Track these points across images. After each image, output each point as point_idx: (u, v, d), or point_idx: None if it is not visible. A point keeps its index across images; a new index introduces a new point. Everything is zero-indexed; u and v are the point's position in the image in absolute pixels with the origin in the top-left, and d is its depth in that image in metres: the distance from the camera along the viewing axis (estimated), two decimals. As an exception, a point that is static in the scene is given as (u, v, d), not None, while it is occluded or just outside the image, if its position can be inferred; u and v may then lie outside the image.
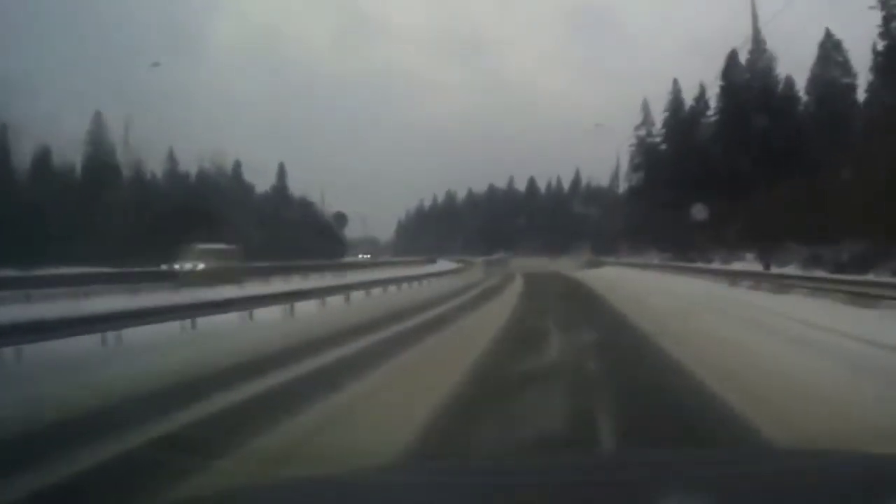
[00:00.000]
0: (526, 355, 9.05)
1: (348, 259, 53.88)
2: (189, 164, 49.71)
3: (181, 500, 3.39)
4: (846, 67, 34.66)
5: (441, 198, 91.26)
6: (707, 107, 40.67)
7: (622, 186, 49.91)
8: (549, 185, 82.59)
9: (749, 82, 35.28)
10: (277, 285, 21.47)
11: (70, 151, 41.27)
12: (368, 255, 62.89)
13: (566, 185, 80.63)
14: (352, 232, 68.74)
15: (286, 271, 30.93)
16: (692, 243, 32.18)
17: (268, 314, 12.84)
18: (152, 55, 76.97)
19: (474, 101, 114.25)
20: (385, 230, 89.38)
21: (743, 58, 37.42)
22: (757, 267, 22.06)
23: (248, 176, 55.36)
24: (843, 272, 15.96)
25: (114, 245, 31.18)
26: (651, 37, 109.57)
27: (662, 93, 46.27)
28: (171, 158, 49.84)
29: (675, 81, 44.53)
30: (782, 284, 16.89)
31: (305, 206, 56.97)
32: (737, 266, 24.26)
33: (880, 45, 31.86)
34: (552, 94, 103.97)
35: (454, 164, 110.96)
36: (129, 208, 37.99)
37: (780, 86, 36.05)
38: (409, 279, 25.58)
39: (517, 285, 27.68)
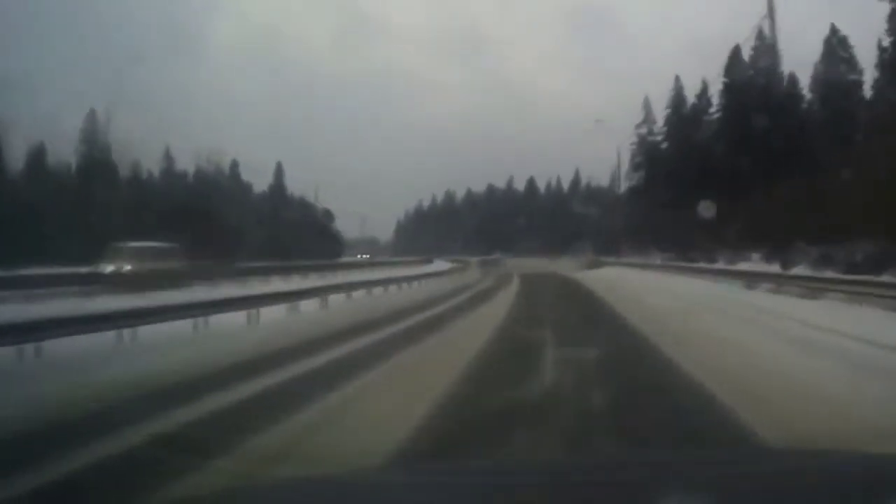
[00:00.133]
0: (509, 384, 7.08)
1: (346, 259, 53.51)
2: (187, 164, 49.44)
3: (180, 500, 3.36)
4: (852, 64, 34.17)
5: (440, 198, 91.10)
6: (709, 104, 40.20)
7: (623, 186, 49.44)
8: (548, 185, 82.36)
9: (752, 79, 34.81)
10: (230, 290, 18.06)
11: (66, 150, 41.02)
12: (367, 256, 62.62)
13: (566, 184, 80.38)
14: (351, 232, 68.69)
15: (268, 273, 29.32)
16: (695, 243, 31.67)
17: (205, 325, 11.15)
18: (152, 55, 76.78)
19: (474, 101, 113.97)
20: (385, 230, 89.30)
21: (746, 56, 37.03)
22: (764, 267, 21.56)
23: (247, 175, 55.29)
24: (857, 273, 15.43)
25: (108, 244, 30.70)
26: (651, 37, 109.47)
27: (663, 93, 45.91)
28: (168, 157, 49.55)
29: (678, 78, 44.13)
30: (809, 288, 14.94)
31: (303, 206, 56.60)
32: (743, 266, 23.63)
33: (886, 41, 31.48)
34: (552, 94, 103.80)
35: (453, 164, 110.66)
36: (125, 207, 37.49)
37: (784, 83, 35.49)
38: (401, 280, 24.75)
39: (512, 288, 26.10)
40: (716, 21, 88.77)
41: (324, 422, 5.57)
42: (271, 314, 13.03)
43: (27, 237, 27.82)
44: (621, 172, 49.08)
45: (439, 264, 45.13)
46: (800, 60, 36.33)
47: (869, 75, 33.67)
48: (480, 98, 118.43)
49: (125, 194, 41.20)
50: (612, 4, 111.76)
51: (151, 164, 48.28)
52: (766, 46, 35.92)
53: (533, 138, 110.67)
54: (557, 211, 71.63)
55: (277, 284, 22.69)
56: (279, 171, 58.61)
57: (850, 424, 5.03)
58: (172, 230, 32.30)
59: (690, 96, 42.96)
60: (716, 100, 39.82)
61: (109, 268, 22.46)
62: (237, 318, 12.01)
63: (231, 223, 41.15)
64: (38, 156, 40.59)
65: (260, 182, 58.29)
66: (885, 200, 17.95)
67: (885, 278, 13.98)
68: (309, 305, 15.09)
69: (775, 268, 20.35)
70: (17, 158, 38.42)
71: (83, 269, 22.60)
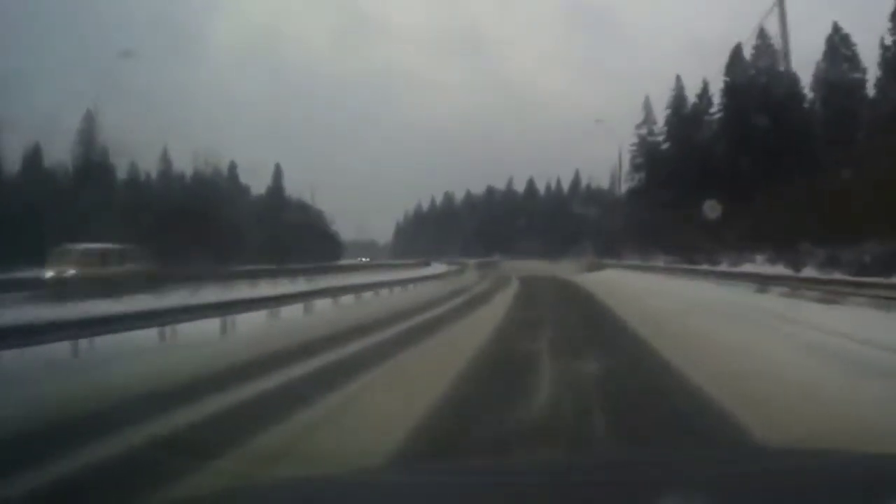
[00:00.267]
0: (500, 406, 6.25)
1: (344, 262, 53.22)
2: (185, 165, 49.11)
3: (180, 500, 3.39)
4: (855, 62, 33.84)
5: (439, 199, 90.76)
6: (710, 104, 39.84)
7: (623, 187, 49.12)
8: (548, 187, 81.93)
9: (754, 79, 34.48)
10: (200, 295, 16.64)
11: (63, 151, 40.77)
12: (367, 259, 62.45)
13: (566, 186, 79.99)
14: (350, 234, 68.35)
15: (257, 276, 28.08)
16: (697, 245, 31.27)
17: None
18: (150, 55, 76.44)
19: (473, 102, 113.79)
20: (384, 233, 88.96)
21: (747, 55, 36.70)
22: (769, 269, 21.18)
23: (245, 177, 55.08)
24: (867, 274, 15.05)
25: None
26: (651, 37, 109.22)
27: (663, 93, 45.62)
28: (166, 159, 49.24)
29: (679, 78, 43.80)
30: (829, 291, 13.81)
31: (302, 208, 56.26)
32: (748, 268, 23.19)
33: (889, 40, 31.20)
34: (551, 95, 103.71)
35: (452, 165, 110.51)
36: (123, 209, 37.15)
37: (785, 81, 35.14)
38: (395, 284, 24.16)
39: (508, 293, 25.12)
40: (716, 21, 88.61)
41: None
42: (247, 322, 12.10)
43: (24, 239, 27.45)
44: (621, 173, 48.83)
45: (437, 267, 44.81)
46: (800, 60, 36.02)
47: (871, 74, 33.44)
48: (480, 99, 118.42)
49: (122, 196, 40.95)
50: (612, 4, 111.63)
51: (149, 166, 48.15)
52: (768, 48, 35.74)
53: (532, 139, 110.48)
54: (557, 212, 71.24)
55: (261, 289, 21.01)
56: (278, 173, 58.33)
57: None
58: (169, 233, 32.09)
59: (691, 96, 42.75)
60: (717, 100, 39.55)
61: (49, 273, 20.56)
62: (191, 328, 10.69)
63: (228, 226, 40.82)
64: (34, 157, 40.36)
65: (258, 184, 58.13)
66: (890, 200, 17.64)
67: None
68: (292, 311, 14.33)
69: (780, 269, 19.96)
70: (14, 161, 38.21)
71: (26, 274, 21.08)
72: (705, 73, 42.00)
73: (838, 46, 34.08)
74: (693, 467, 2.09)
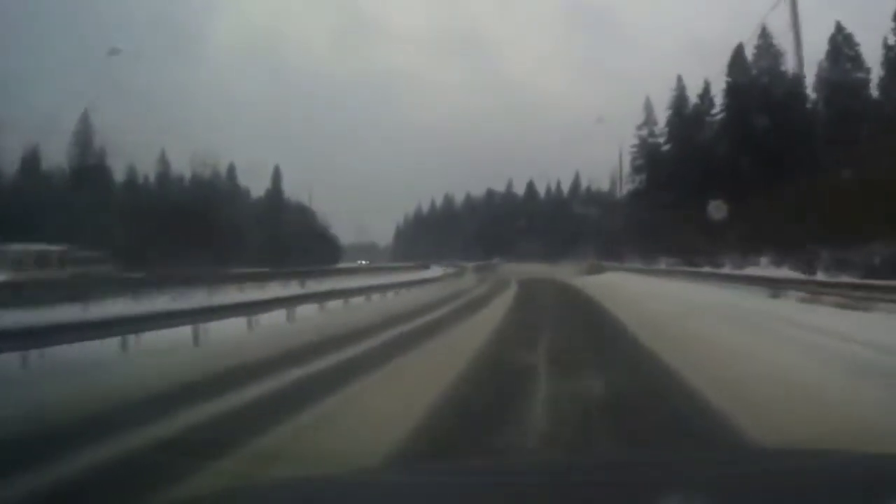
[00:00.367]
0: (492, 417, 5.79)
1: (343, 265, 52.96)
2: (183, 166, 48.79)
3: (180, 501, 3.42)
4: (858, 61, 33.46)
5: (439, 202, 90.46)
6: (712, 104, 39.48)
7: (624, 189, 48.77)
8: (548, 189, 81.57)
9: (756, 79, 34.14)
10: (153, 303, 15.21)
11: (61, 152, 40.46)
12: (367, 262, 62.24)
13: (566, 188, 79.63)
14: (349, 237, 68.05)
15: (245, 280, 27.18)
16: (700, 247, 30.91)
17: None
18: (151, 55, 76.21)
19: (473, 103, 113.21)
20: (384, 235, 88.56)
21: (749, 54, 36.37)
22: (774, 271, 20.81)
23: (244, 178, 54.80)
24: (876, 277, 14.68)
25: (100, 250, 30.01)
26: (651, 37, 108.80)
27: (664, 94, 45.28)
28: (164, 160, 48.94)
29: (680, 78, 43.43)
30: (855, 297, 12.48)
31: (301, 210, 55.98)
32: (753, 271, 22.75)
33: (892, 39, 30.86)
34: (551, 96, 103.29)
35: (452, 167, 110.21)
36: (121, 212, 36.84)
37: (788, 81, 34.80)
38: (391, 287, 23.62)
39: (507, 296, 24.43)
40: (716, 21, 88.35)
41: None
42: (218, 330, 11.01)
43: (23, 240, 27.10)
44: (622, 174, 48.48)
45: (435, 270, 44.51)
46: (803, 59, 35.55)
47: (873, 74, 33.10)
48: (479, 100, 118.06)
49: (120, 198, 40.70)
50: (612, 4, 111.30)
51: (147, 168, 47.87)
52: (771, 48, 35.40)
53: (532, 141, 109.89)
54: (557, 215, 70.88)
55: (246, 293, 20.01)
56: (277, 175, 58.04)
57: None
58: (167, 235, 31.80)
59: (692, 97, 42.42)
60: (718, 100, 39.20)
61: None
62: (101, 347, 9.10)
63: (226, 228, 40.55)
64: (33, 158, 40.07)
65: (257, 186, 57.77)
66: (894, 201, 17.35)
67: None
68: (271, 318, 13.48)
69: (787, 272, 19.54)
70: (13, 161, 37.89)
71: None
72: (706, 74, 41.58)
73: (841, 46, 33.71)
74: (693, 468, 2.08)
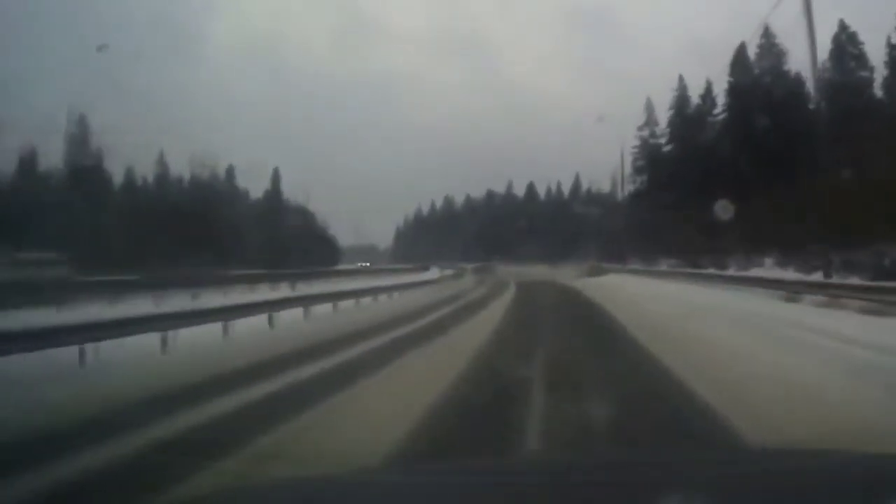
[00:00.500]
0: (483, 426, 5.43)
1: (342, 266, 52.78)
2: (182, 167, 48.62)
3: (180, 501, 3.44)
4: (862, 60, 33.21)
5: (439, 203, 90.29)
6: (714, 104, 39.24)
7: (625, 190, 48.44)
8: (548, 191, 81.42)
9: (758, 79, 33.89)
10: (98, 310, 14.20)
11: (59, 153, 40.17)
12: (368, 263, 62.14)
13: (566, 190, 79.43)
14: (350, 238, 67.83)
15: (232, 283, 26.54)
16: (703, 248, 30.58)
17: None
18: (151, 55, 76.06)
19: (473, 104, 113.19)
20: (384, 237, 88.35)
21: (752, 54, 36.10)
22: (780, 273, 20.50)
23: (244, 179, 54.71)
24: (888, 279, 14.34)
25: (97, 253, 29.74)
26: (651, 37, 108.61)
27: (665, 94, 45.11)
28: (162, 162, 48.73)
29: (681, 78, 43.27)
30: (883, 302, 11.15)
31: (299, 212, 55.74)
32: (758, 272, 22.36)
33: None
34: (552, 97, 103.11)
35: (453, 168, 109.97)
36: (119, 213, 36.60)
37: (790, 82, 34.53)
38: (388, 289, 23.04)
39: (505, 299, 23.70)
40: (716, 21, 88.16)
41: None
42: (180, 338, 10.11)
43: (21, 243, 26.84)
44: (624, 174, 48.10)
45: (434, 272, 44.35)
46: (805, 58, 35.21)
47: (877, 74, 32.85)
48: (479, 101, 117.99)
49: (119, 199, 40.48)
50: (612, 4, 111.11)
51: (146, 169, 47.68)
52: (773, 47, 35.12)
53: (532, 142, 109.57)
54: (558, 216, 70.72)
55: (229, 297, 19.17)
56: (276, 177, 57.83)
57: None
58: (165, 237, 31.56)
59: (693, 97, 42.23)
60: (720, 100, 38.94)
61: None
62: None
63: (225, 230, 40.33)
64: (31, 159, 39.83)
65: (257, 187, 57.60)
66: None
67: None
68: (253, 323, 12.75)
69: (791, 273, 19.20)
70: (10, 161, 37.61)
71: None
72: (706, 74, 41.51)
73: (845, 45, 33.44)
74: (693, 468, 2.07)
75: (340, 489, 1.93)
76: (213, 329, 11.57)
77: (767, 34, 35.25)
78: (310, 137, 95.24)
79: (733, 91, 36.38)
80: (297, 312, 15.31)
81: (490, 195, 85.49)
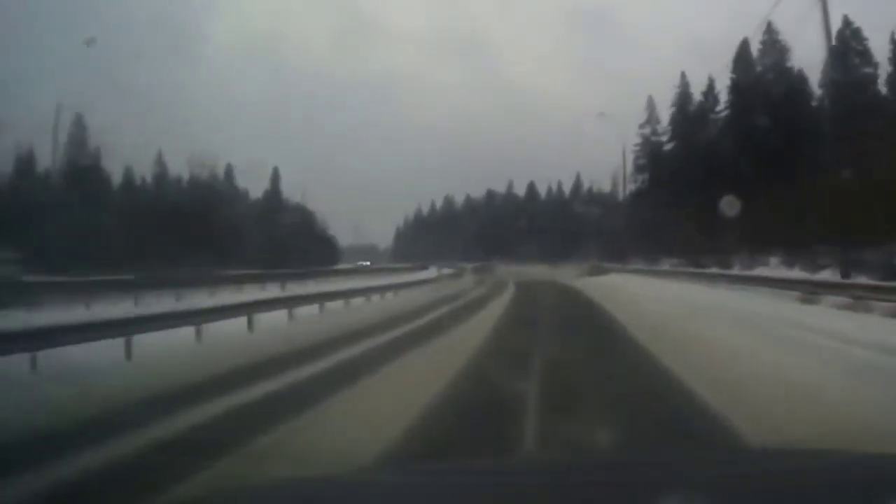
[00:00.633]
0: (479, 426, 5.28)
1: (341, 266, 52.68)
2: (181, 167, 48.45)
3: (180, 501, 3.51)
4: (866, 56, 32.82)
5: (439, 203, 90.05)
6: (717, 101, 38.88)
7: (626, 188, 48.11)
8: (549, 190, 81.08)
9: (761, 76, 33.55)
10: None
11: (58, 153, 39.91)
12: (368, 263, 62.12)
13: (567, 189, 79.11)
14: (349, 238, 67.65)
15: (218, 283, 25.80)
16: (704, 247, 30.23)
17: None
18: (151, 55, 75.91)
19: (473, 104, 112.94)
20: (384, 237, 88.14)
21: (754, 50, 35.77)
22: (785, 272, 20.16)
23: (243, 179, 54.58)
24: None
25: (95, 253, 29.49)
26: (652, 36, 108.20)
27: (665, 94, 44.90)
28: (161, 162, 48.57)
29: (683, 75, 43.00)
30: None
31: (298, 212, 55.54)
32: (763, 272, 21.97)
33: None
34: (552, 96, 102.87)
35: (453, 168, 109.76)
36: (119, 213, 36.36)
37: (793, 79, 34.18)
38: (373, 290, 22.50)
39: (504, 299, 23.24)
40: (716, 21, 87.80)
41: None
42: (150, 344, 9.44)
43: (20, 244, 26.59)
44: (625, 172, 47.78)
45: (433, 272, 44.22)
46: (808, 56, 34.91)
47: (881, 70, 32.48)
48: (479, 100, 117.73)
49: (117, 199, 40.28)
50: (612, 4, 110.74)
51: (145, 169, 47.55)
52: (775, 44, 34.75)
53: (533, 142, 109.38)
54: (558, 216, 70.41)
55: (217, 297, 18.46)
56: (275, 177, 57.67)
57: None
58: (164, 237, 31.34)
59: (696, 94, 41.93)
60: (723, 97, 38.58)
61: None
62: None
63: (224, 229, 40.16)
64: (28, 160, 39.66)
65: (256, 187, 57.47)
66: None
67: None
68: (234, 325, 12.20)
69: (797, 272, 18.85)
70: (7, 162, 37.41)
71: None
72: (706, 73, 41.11)
73: (849, 41, 33.03)
74: (693, 468, 2.08)
75: (340, 489, 1.94)
76: (186, 333, 10.86)
77: (770, 30, 34.96)
78: (310, 137, 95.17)
79: (736, 88, 36.08)
80: (281, 314, 14.56)
81: (490, 195, 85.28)
